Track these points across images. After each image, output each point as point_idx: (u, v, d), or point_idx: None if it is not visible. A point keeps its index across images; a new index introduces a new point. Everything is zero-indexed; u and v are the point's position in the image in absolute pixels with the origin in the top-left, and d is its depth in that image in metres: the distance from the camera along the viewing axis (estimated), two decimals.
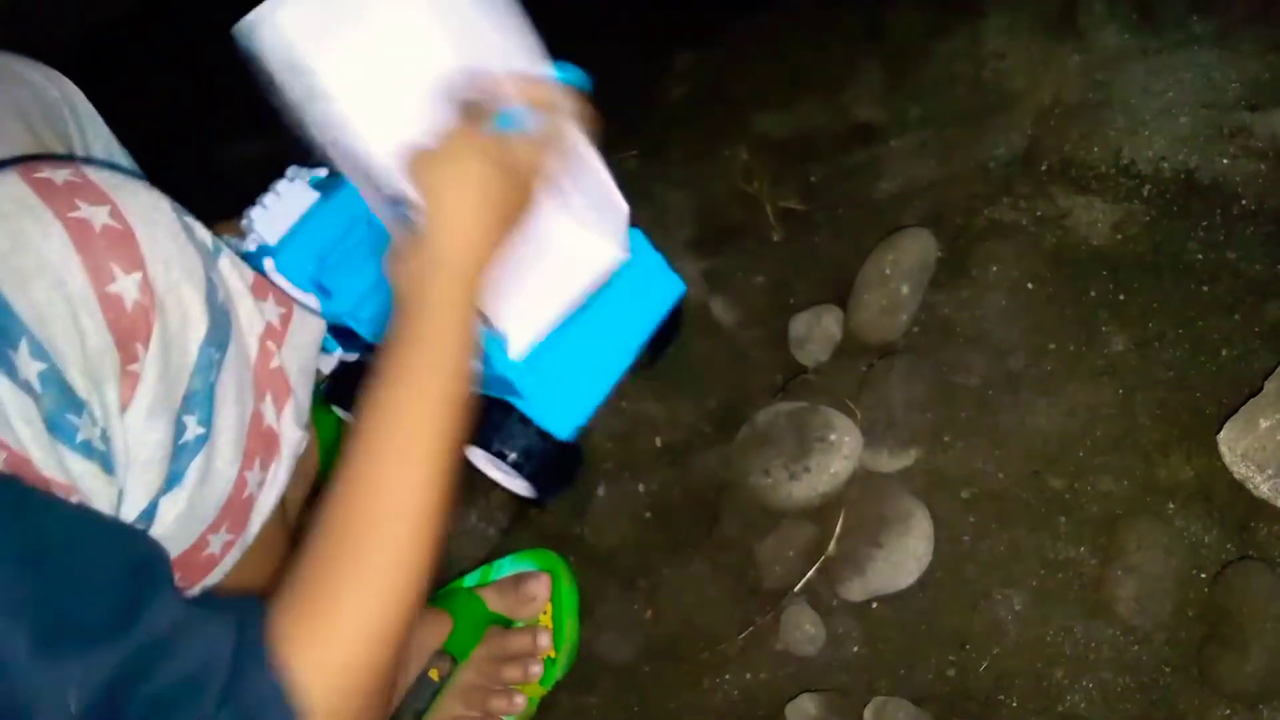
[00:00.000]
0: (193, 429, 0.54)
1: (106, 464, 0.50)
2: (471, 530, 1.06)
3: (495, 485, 1.03)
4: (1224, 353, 0.76)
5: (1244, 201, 0.82)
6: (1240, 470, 0.69)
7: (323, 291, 0.81)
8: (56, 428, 0.48)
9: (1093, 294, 0.83)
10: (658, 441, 1.01)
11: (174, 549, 0.55)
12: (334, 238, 0.81)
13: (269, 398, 0.61)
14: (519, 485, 0.89)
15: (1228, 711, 0.66)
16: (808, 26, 1.19)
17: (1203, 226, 0.82)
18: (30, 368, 0.46)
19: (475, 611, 0.84)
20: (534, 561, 0.89)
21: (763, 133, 1.14)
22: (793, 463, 0.82)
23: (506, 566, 0.90)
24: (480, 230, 0.59)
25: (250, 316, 0.59)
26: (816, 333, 0.96)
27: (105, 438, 0.50)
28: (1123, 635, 0.71)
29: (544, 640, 0.81)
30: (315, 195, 0.81)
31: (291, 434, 0.62)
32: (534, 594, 0.84)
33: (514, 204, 0.61)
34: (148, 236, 0.50)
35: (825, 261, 1.01)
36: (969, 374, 0.84)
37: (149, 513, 0.53)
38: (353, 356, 0.90)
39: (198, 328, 0.53)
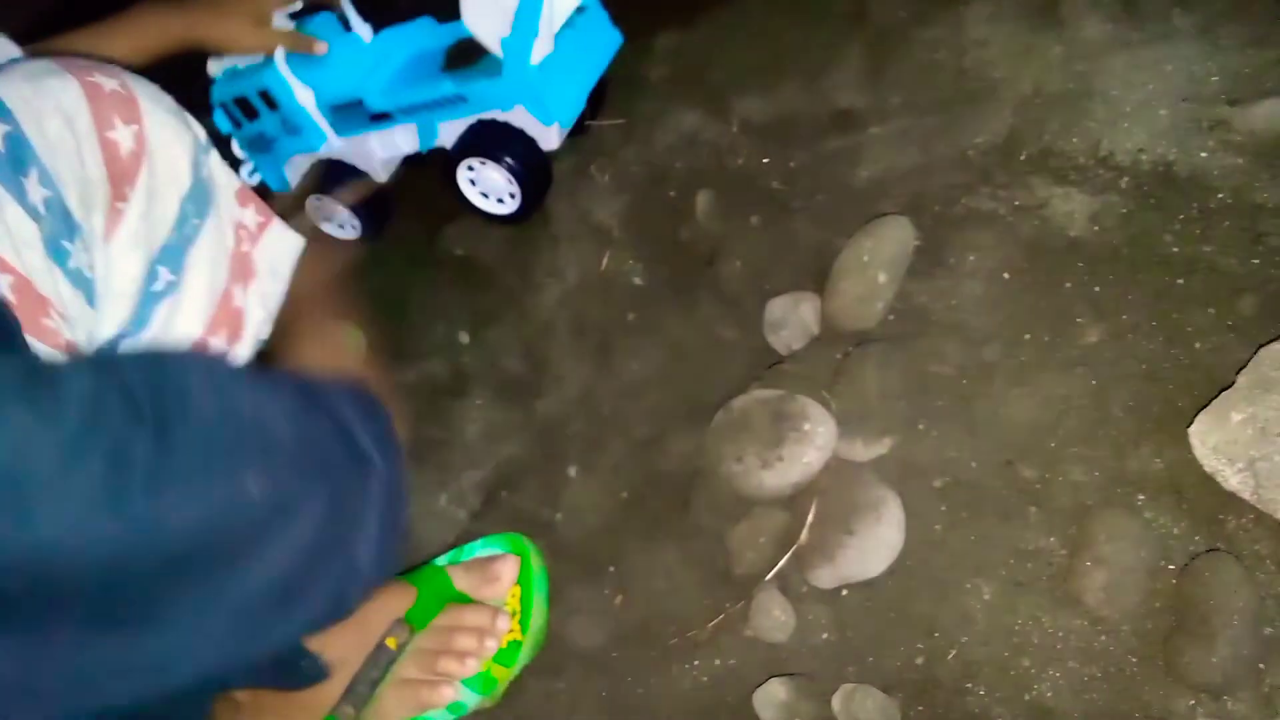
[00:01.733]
0: (164, 277, 0.61)
1: (89, 294, 0.57)
2: (441, 513, 1.06)
3: (465, 468, 1.02)
4: (1198, 346, 0.76)
5: (1221, 195, 0.82)
6: (1211, 463, 0.69)
7: (317, 85, 1.13)
8: (54, 251, 0.54)
9: (1068, 285, 0.83)
10: (631, 426, 1.01)
11: None
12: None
13: (240, 281, 0.68)
14: (501, 205, 1.16)
15: (1192, 702, 0.66)
16: (790, 9, 1.18)
17: (1180, 220, 0.82)
18: (38, 193, 0.53)
19: (440, 586, 0.84)
20: (504, 544, 0.88)
21: (744, 116, 1.13)
22: (766, 451, 0.82)
23: (476, 549, 0.89)
24: None
25: (229, 207, 0.67)
26: (792, 319, 0.95)
27: (91, 266, 0.56)
28: (1090, 625, 0.71)
29: (503, 622, 0.81)
30: (291, 25, 1.11)
31: (256, 313, 0.69)
32: (499, 574, 0.83)
33: None
34: (149, 104, 0.59)
35: (803, 247, 1.01)
36: (944, 363, 0.84)
37: (112, 347, 0.59)
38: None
39: (181, 184, 0.61)
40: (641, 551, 0.91)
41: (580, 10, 1.07)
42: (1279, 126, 0.84)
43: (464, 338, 1.19)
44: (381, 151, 1.18)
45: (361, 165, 1.20)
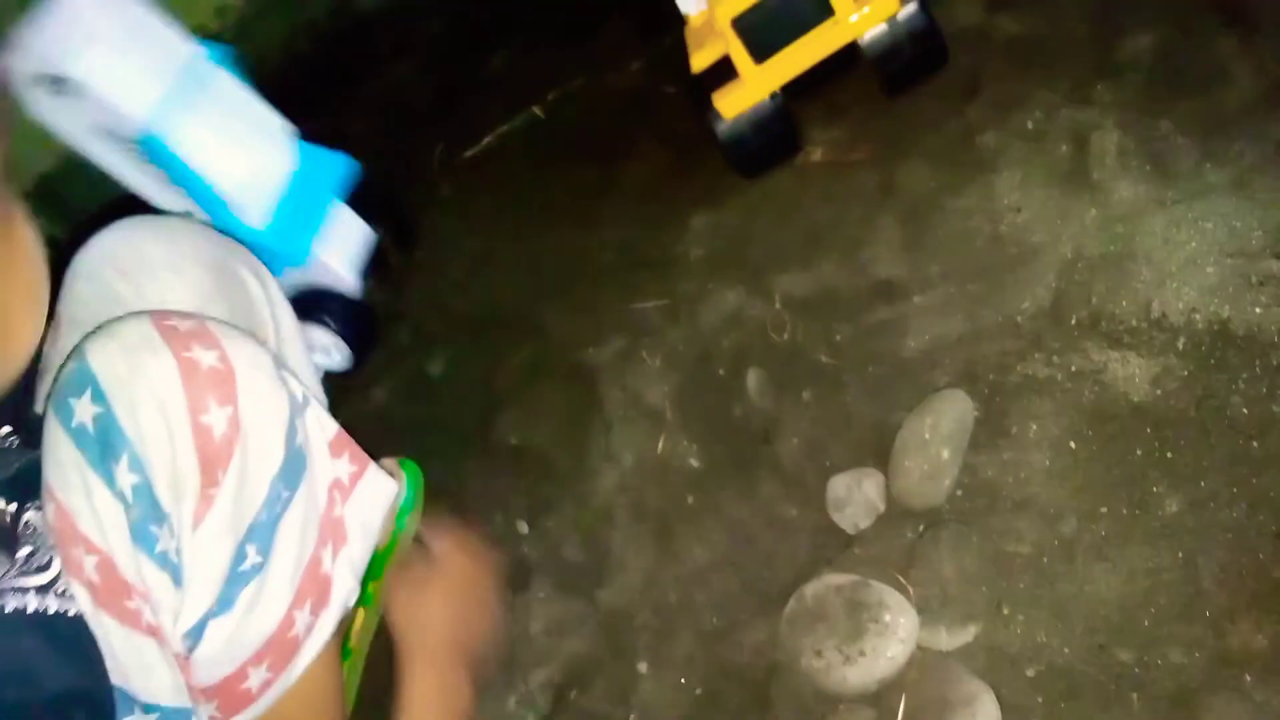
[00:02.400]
0: (251, 558, 0.59)
1: (176, 576, 0.56)
2: (510, 717, 1.03)
3: (532, 666, 1.00)
4: None
5: None
6: None
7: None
8: (140, 537, 0.54)
9: (1139, 452, 0.82)
10: (700, 615, 0.99)
11: (216, 674, 0.60)
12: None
13: (329, 545, 0.65)
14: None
15: None
16: (819, 186, 1.21)
17: (1243, 379, 0.81)
18: (127, 479, 0.54)
19: None
20: None
21: (785, 291, 1.15)
22: (846, 645, 0.79)
23: None
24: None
25: (324, 466, 0.65)
26: (856, 497, 0.94)
27: (178, 551, 0.56)
28: None
29: None
30: None
31: (344, 583, 0.66)
32: None
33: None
34: (246, 379, 0.58)
35: (859, 422, 1.01)
36: (1020, 541, 0.82)
37: (198, 630, 0.58)
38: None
39: (274, 461, 0.59)
40: None
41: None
42: None
43: (523, 528, 1.18)
44: None
45: None
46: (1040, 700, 0.76)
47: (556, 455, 1.20)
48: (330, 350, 1.31)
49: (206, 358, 0.57)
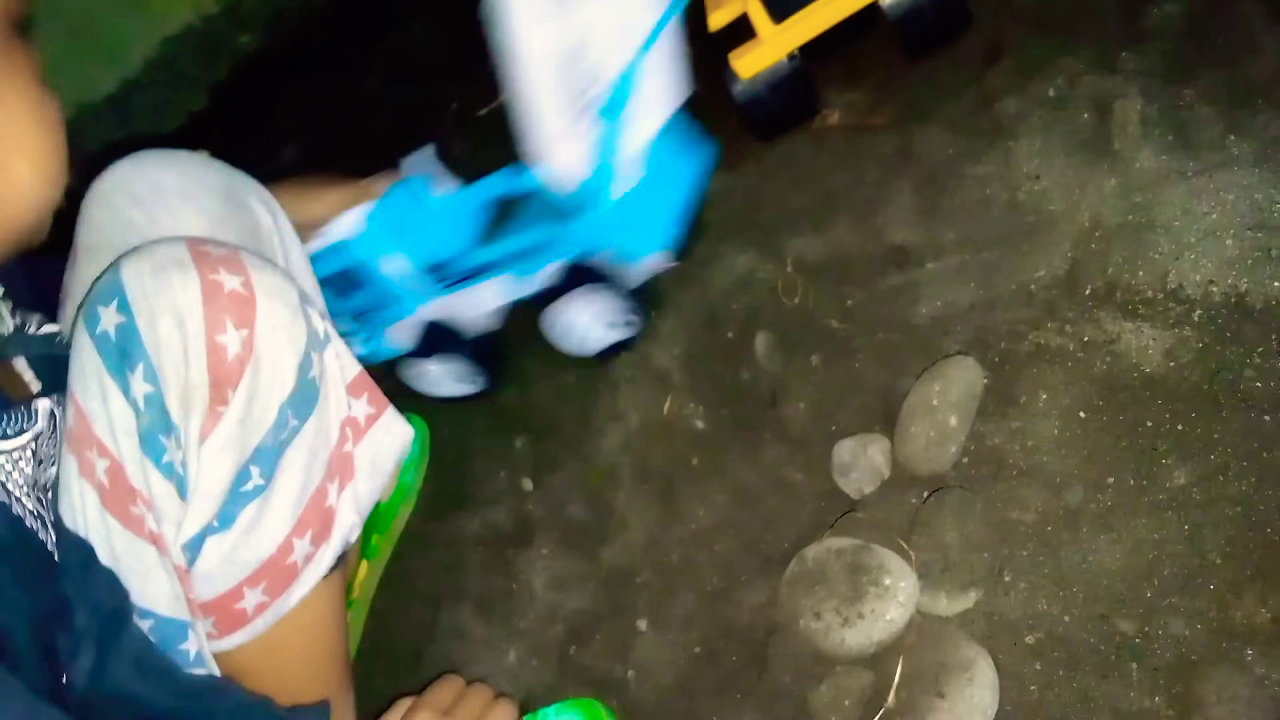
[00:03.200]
0: (254, 479, 0.60)
1: (181, 488, 0.58)
2: (509, 670, 1.04)
3: (533, 622, 1.01)
4: None
5: None
6: None
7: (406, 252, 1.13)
8: (149, 445, 0.56)
9: (1149, 423, 0.81)
10: (701, 575, 0.99)
11: (213, 589, 0.61)
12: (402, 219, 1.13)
13: (336, 480, 0.66)
14: (617, 331, 1.15)
15: None
16: (836, 150, 1.20)
17: (1259, 352, 0.80)
18: (140, 388, 0.56)
19: None
20: (580, 712, 0.86)
21: (797, 256, 1.13)
22: (846, 607, 0.79)
23: (550, 716, 0.86)
24: None
25: (338, 403, 0.67)
26: (861, 462, 0.94)
27: (184, 463, 0.57)
28: None
29: None
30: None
31: (347, 517, 0.68)
32: None
33: None
34: (266, 306, 0.59)
35: (867, 388, 1.00)
36: (1025, 509, 0.82)
37: (197, 543, 0.59)
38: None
39: (285, 387, 0.61)
40: (718, 713, 0.88)
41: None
42: None
43: (527, 485, 1.18)
44: (481, 305, 1.17)
45: (462, 321, 1.18)
46: (1039, 667, 0.75)
47: (562, 414, 1.20)
48: (466, 378, 1.24)
49: (231, 281, 0.57)
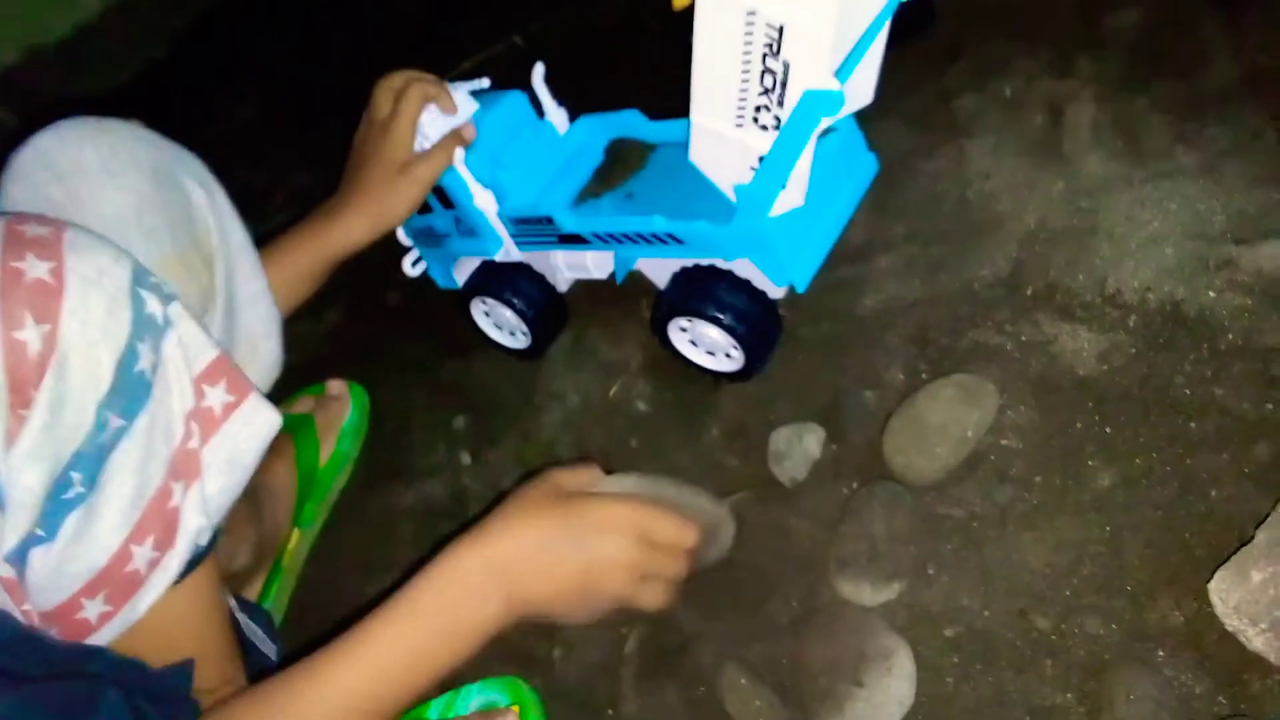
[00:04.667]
0: (76, 486, 0.56)
1: None
2: None
3: None
4: (1213, 493, 0.74)
5: (1231, 336, 0.81)
6: (1233, 622, 0.67)
7: (499, 189, 1.00)
8: None
9: (1079, 425, 0.82)
10: None
11: (47, 602, 0.58)
12: (502, 142, 0.99)
13: (181, 480, 0.61)
14: (722, 361, 1.00)
15: None
16: None
17: (1190, 360, 0.81)
18: None
19: None
20: (502, 691, 0.85)
21: None
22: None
23: (472, 697, 0.86)
24: (553, 580, 0.68)
25: (182, 396, 0.61)
26: (796, 451, 0.94)
27: None
28: None
29: None
30: (475, 104, 0.99)
31: (192, 519, 0.62)
32: None
33: (592, 589, 0.70)
34: (78, 296, 0.54)
35: (808, 377, 1.00)
36: (953, 505, 0.82)
37: (19, 555, 0.55)
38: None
39: (98, 388, 0.55)
40: (641, 693, 0.88)
41: (829, 132, 0.88)
42: None
43: (465, 459, 1.17)
44: (566, 270, 1.09)
45: (541, 271, 1.09)
46: (956, 660, 0.76)
47: (505, 391, 1.19)
48: (515, 331, 1.14)
49: (36, 269, 0.52)
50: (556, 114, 1.04)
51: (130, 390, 0.56)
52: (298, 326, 1.00)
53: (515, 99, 1.02)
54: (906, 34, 1.20)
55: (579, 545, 0.68)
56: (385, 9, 2.19)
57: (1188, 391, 0.81)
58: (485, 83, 1.03)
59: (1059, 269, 0.93)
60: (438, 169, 0.95)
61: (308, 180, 1.90)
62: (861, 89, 0.90)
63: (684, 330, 1.00)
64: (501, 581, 0.66)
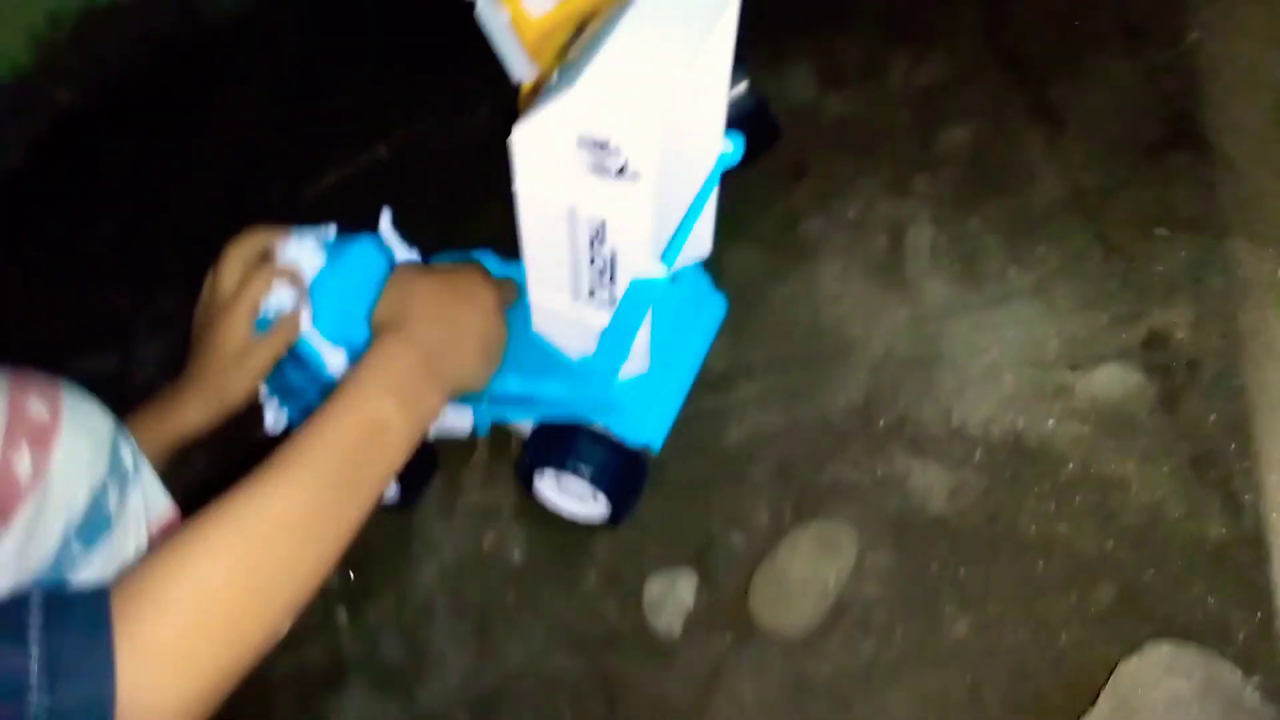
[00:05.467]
0: None
1: None
2: None
3: None
4: (1063, 638, 0.76)
5: (1070, 466, 0.83)
6: None
7: (351, 348, 0.92)
8: None
9: (935, 568, 0.83)
10: (518, 715, 0.96)
11: None
12: (353, 296, 0.92)
13: None
14: (592, 509, 0.98)
15: None
16: None
17: (1034, 494, 0.83)
18: None
19: None
20: None
21: None
22: None
23: None
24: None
25: (139, 540, 0.66)
26: (670, 600, 0.93)
27: None
28: None
29: None
30: (322, 256, 0.93)
31: None
32: None
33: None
34: (69, 435, 0.61)
35: (678, 518, 1.00)
36: (822, 660, 0.82)
37: None
38: None
39: (72, 516, 0.61)
40: None
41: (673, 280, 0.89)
42: (1117, 394, 0.87)
43: (343, 617, 1.13)
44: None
45: None
46: None
47: (379, 542, 1.16)
48: None
49: (37, 407, 0.59)
50: (409, 259, 1.02)
51: (96, 523, 0.62)
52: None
53: (365, 246, 0.99)
54: (753, 152, 1.22)
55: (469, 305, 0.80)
56: (248, 118, 2.14)
57: (1034, 528, 0.83)
58: (331, 230, 1.00)
59: (908, 399, 0.95)
60: (273, 357, 0.92)
61: (172, 303, 1.84)
62: (699, 241, 0.91)
63: (550, 478, 0.99)
64: (425, 380, 0.74)
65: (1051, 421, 0.87)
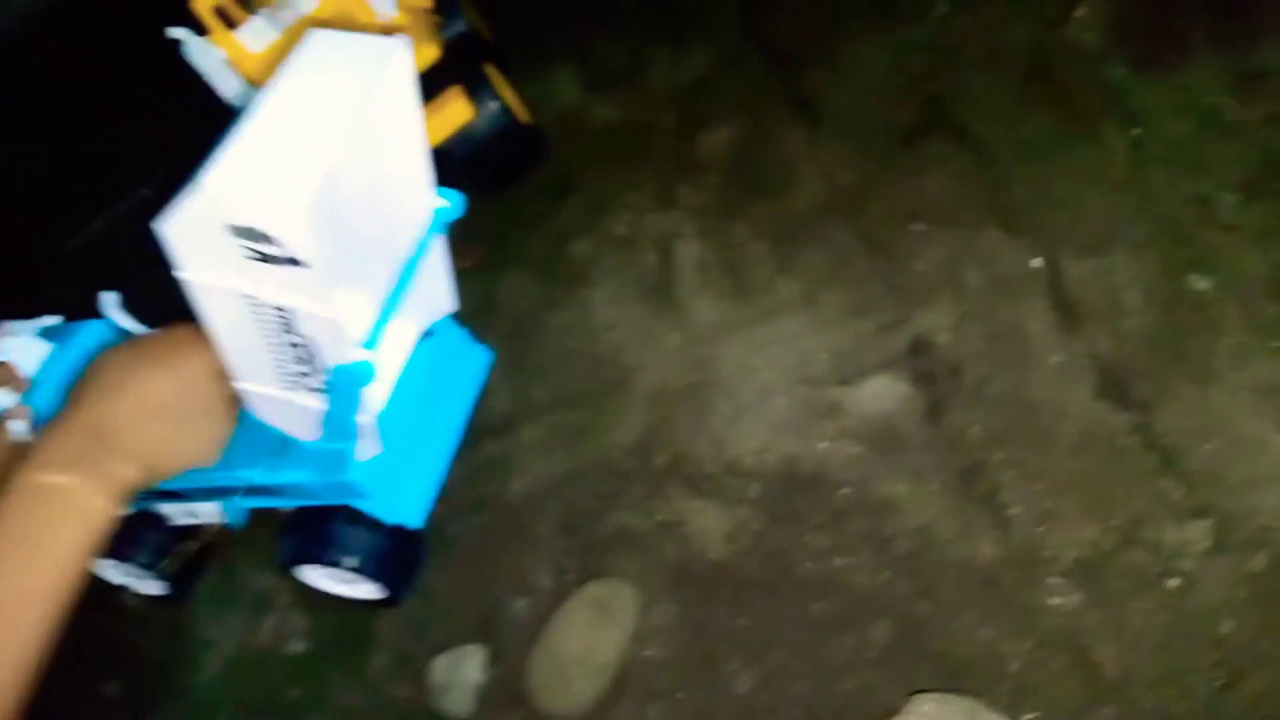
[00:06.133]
0: None
1: None
2: None
3: None
4: (846, 684, 0.72)
5: (845, 491, 0.80)
6: None
7: None
8: None
9: (716, 620, 0.78)
10: None
11: None
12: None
13: None
14: (366, 590, 0.85)
15: None
16: None
17: (811, 528, 0.79)
18: None
19: None
20: None
21: None
22: None
23: None
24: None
25: None
26: (457, 680, 0.87)
27: None
28: None
29: None
30: (47, 345, 0.82)
31: None
32: None
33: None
34: None
35: (463, 587, 0.93)
36: None
37: None
38: None
39: None
40: None
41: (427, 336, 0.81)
42: (886, 408, 0.83)
43: None
44: (179, 518, 0.93)
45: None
46: None
47: (155, 645, 1.06)
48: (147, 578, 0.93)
49: None
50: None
51: None
52: None
53: (94, 331, 0.88)
54: (521, 168, 1.15)
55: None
56: (4, 168, 1.96)
57: (810, 566, 0.79)
58: (55, 320, 0.90)
59: (683, 434, 0.89)
60: None
61: None
62: (437, 300, 0.83)
63: (316, 568, 0.90)
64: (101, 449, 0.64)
65: (824, 444, 0.83)
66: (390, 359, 0.76)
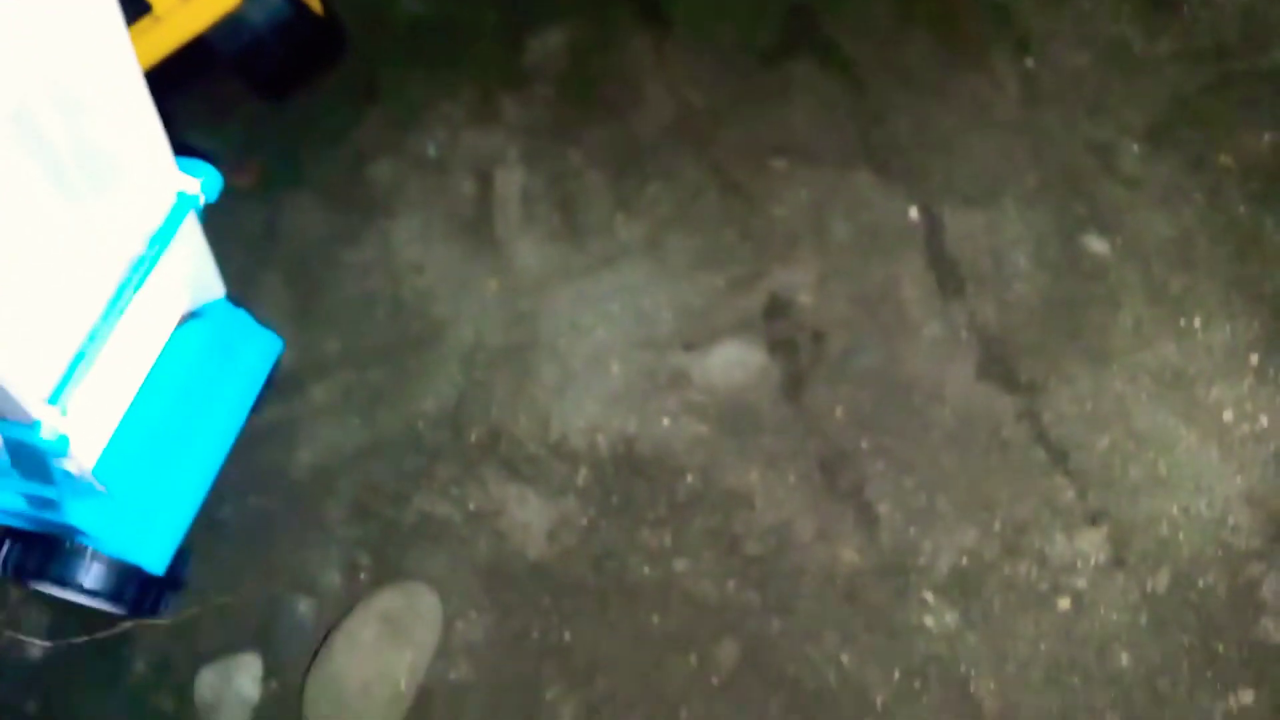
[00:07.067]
0: None
1: None
2: None
3: None
4: (685, 715, 0.61)
5: (690, 479, 0.68)
6: None
7: None
8: None
9: (535, 634, 0.67)
10: None
11: None
12: None
13: None
14: (107, 605, 0.73)
15: None
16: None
17: (649, 522, 0.67)
18: None
19: None
20: None
21: None
22: None
23: None
24: None
25: None
26: (228, 697, 0.73)
27: None
28: None
29: None
30: None
31: None
32: None
33: None
34: None
35: (235, 582, 0.78)
36: None
37: None
38: None
39: None
40: None
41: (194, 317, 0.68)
42: (738, 380, 0.71)
43: None
44: None
45: None
46: None
47: None
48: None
49: None
50: None
51: None
52: None
53: None
54: (311, 69, 0.95)
55: None
56: None
57: (647, 570, 0.67)
58: None
59: (501, 405, 0.75)
60: None
61: None
62: (200, 287, 0.66)
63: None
64: None
65: (666, 421, 0.71)
66: (121, 371, 0.61)
